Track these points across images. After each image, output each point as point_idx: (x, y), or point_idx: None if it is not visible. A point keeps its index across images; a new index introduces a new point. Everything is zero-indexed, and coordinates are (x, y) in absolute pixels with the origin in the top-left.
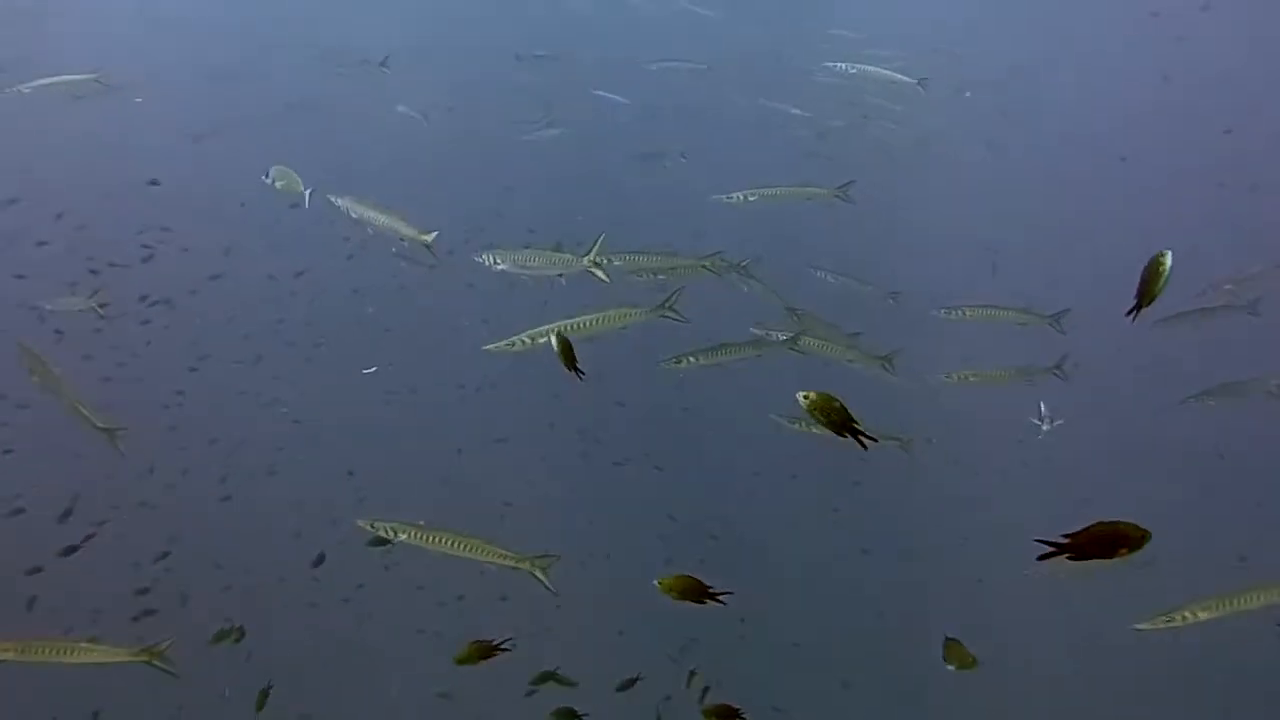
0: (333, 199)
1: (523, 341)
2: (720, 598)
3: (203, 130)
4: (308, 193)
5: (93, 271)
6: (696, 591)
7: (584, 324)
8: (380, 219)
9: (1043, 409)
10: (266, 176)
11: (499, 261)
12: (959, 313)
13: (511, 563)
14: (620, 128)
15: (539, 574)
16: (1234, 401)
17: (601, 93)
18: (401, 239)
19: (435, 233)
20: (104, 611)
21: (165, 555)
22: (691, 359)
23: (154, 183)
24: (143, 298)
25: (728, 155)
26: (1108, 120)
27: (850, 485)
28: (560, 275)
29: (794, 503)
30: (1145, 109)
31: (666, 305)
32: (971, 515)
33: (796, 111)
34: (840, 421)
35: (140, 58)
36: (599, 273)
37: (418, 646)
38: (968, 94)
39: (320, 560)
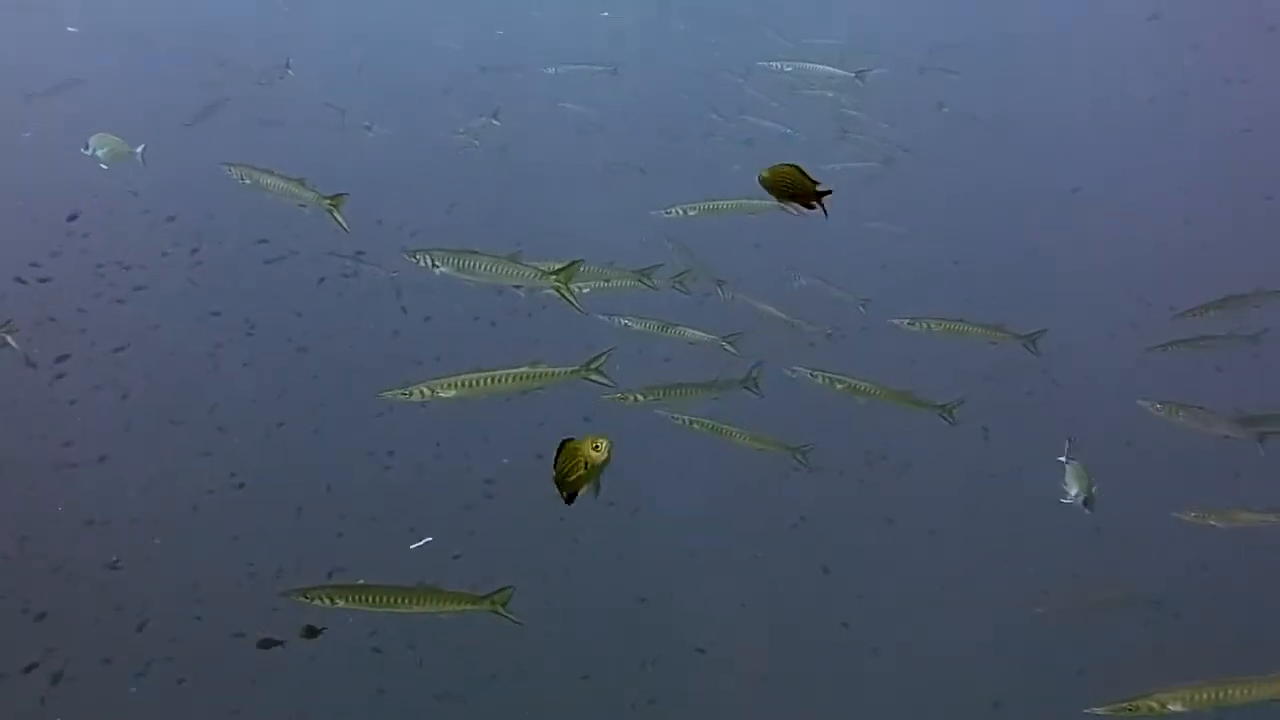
0: (225, 167)
1: (422, 392)
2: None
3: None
4: (139, 151)
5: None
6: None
7: (495, 379)
8: (278, 185)
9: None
10: (86, 148)
11: (438, 264)
12: (923, 325)
13: (469, 606)
14: (579, 141)
15: (501, 610)
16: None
17: (567, 104)
18: (300, 205)
19: (344, 194)
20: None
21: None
22: (638, 396)
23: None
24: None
25: (693, 169)
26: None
27: None
28: (518, 288)
29: None
30: (1119, 129)
31: (592, 367)
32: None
33: (786, 129)
34: (802, 189)
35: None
36: (568, 297)
37: None
38: (945, 109)
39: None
